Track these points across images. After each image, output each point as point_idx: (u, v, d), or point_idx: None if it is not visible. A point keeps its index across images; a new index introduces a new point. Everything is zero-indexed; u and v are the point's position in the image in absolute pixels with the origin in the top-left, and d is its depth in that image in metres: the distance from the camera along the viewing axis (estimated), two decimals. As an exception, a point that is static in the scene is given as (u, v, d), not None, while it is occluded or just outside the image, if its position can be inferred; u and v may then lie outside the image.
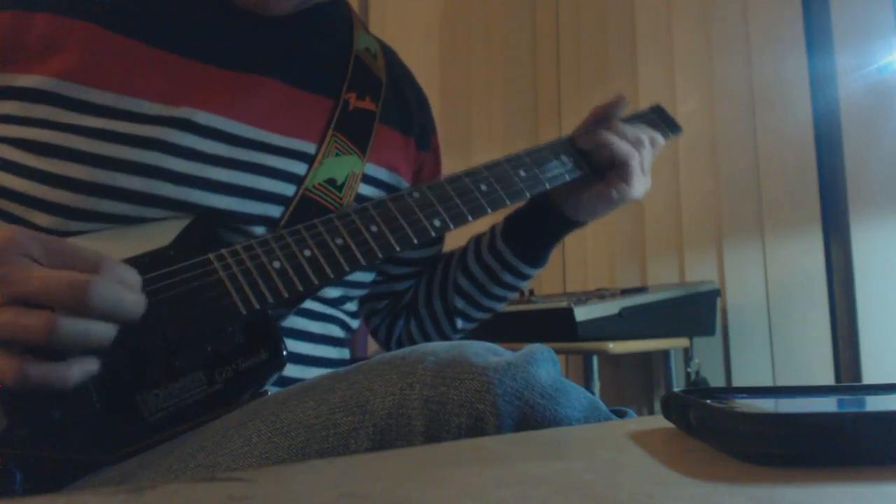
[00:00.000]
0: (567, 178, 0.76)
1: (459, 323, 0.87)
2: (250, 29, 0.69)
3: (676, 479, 0.27)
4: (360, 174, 0.72)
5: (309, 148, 0.68)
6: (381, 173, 0.76)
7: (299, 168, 0.67)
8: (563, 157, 0.77)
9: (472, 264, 0.84)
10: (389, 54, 0.85)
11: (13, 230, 0.46)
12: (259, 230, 0.64)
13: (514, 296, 0.87)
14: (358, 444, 0.46)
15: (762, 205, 1.63)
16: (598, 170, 0.78)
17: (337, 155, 0.70)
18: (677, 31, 1.82)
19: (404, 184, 0.79)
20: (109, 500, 0.24)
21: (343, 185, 0.70)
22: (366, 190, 0.73)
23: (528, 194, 0.73)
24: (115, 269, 0.47)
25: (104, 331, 0.46)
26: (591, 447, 0.34)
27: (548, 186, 0.74)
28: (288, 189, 0.66)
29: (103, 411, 0.51)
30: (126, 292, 0.47)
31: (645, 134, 0.79)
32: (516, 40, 2.28)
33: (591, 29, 2.06)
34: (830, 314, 1.52)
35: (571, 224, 0.81)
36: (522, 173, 0.73)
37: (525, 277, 0.84)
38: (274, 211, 0.65)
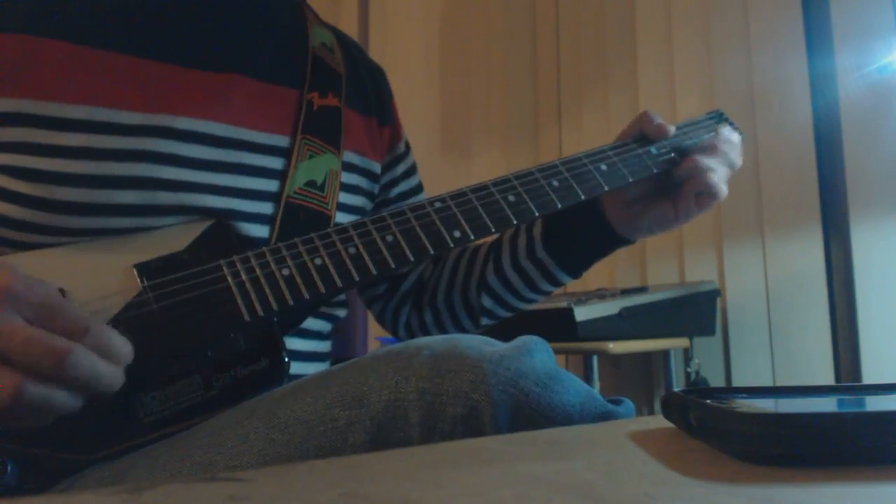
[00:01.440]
0: (605, 189, 0.70)
1: (484, 320, 0.85)
2: (217, 26, 0.69)
3: (676, 479, 0.27)
4: (339, 171, 0.72)
5: (283, 142, 0.69)
6: (354, 158, 0.76)
7: (278, 164, 0.68)
8: (602, 166, 0.71)
9: (507, 269, 0.80)
10: (343, 40, 0.85)
11: (12, 279, 0.45)
12: (259, 229, 0.64)
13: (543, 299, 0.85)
14: (355, 437, 0.46)
15: (762, 205, 1.63)
16: (659, 185, 0.74)
17: (311, 157, 0.70)
18: (677, 31, 1.82)
19: (375, 167, 0.79)
20: (109, 500, 0.24)
21: (324, 184, 0.70)
22: (345, 178, 0.73)
23: (559, 205, 0.68)
24: (101, 338, 0.46)
25: (70, 402, 0.45)
26: (591, 447, 0.34)
27: (583, 197, 0.69)
28: (271, 185, 0.66)
29: (99, 408, 0.52)
30: (104, 366, 0.45)
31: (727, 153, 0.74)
32: (516, 40, 2.28)
33: (591, 29, 2.06)
34: (830, 314, 1.52)
35: (622, 242, 0.76)
36: (555, 183, 0.68)
37: (560, 285, 0.81)
38: (266, 208, 0.65)
